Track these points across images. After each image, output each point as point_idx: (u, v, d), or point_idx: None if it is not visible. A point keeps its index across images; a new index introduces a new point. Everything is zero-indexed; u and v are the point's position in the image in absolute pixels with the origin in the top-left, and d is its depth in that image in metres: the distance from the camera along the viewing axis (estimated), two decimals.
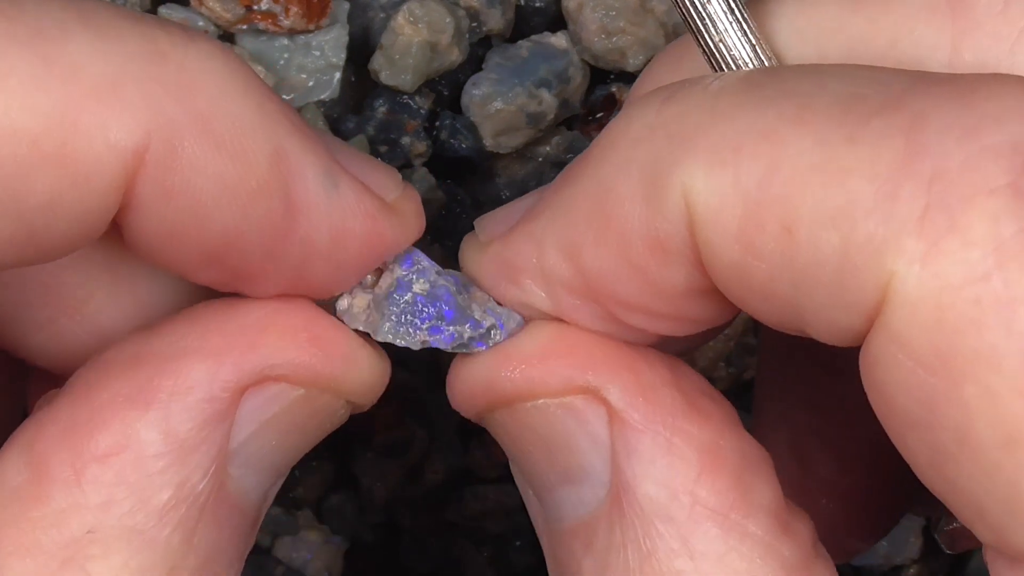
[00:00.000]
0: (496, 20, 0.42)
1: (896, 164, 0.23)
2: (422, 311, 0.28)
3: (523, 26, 0.42)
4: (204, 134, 0.24)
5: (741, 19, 0.27)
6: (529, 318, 0.28)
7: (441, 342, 0.28)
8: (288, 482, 0.43)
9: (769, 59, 0.27)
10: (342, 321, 0.28)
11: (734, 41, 0.27)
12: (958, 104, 0.23)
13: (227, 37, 0.40)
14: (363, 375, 0.27)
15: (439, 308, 0.28)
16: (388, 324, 0.27)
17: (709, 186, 0.24)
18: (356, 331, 0.28)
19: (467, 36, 0.41)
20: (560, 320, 0.27)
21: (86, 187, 0.24)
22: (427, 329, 0.28)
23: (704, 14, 0.27)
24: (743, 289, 0.25)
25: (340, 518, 0.44)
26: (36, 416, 0.26)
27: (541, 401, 0.26)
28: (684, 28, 0.27)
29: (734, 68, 0.27)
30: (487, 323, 0.27)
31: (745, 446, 0.26)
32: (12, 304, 0.29)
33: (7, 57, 0.23)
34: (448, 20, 0.40)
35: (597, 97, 0.43)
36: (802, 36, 0.28)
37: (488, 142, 0.42)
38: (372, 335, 0.28)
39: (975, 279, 0.22)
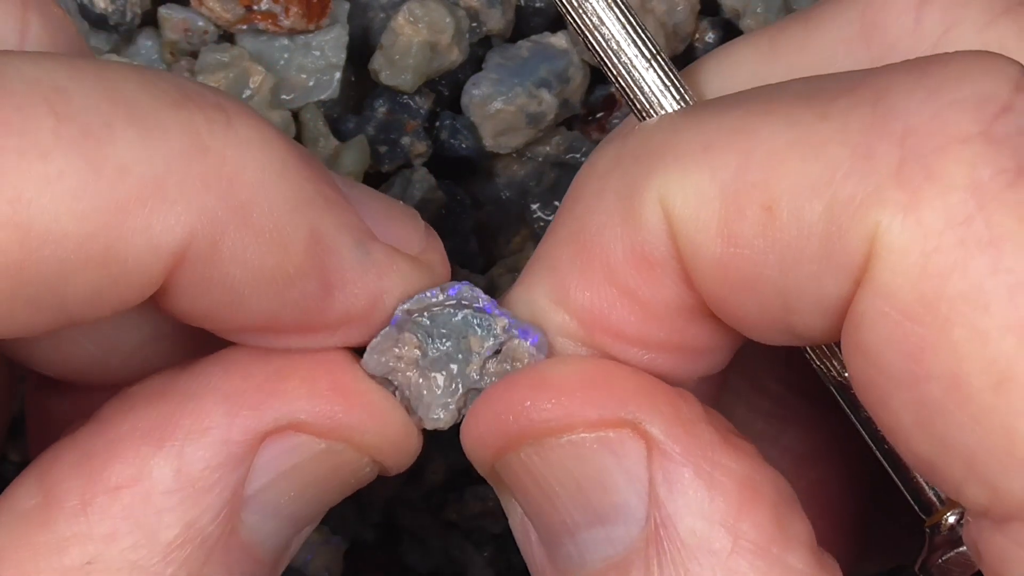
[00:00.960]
0: (496, 20, 0.42)
1: (867, 127, 0.23)
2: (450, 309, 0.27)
3: (523, 26, 0.42)
4: (244, 226, 0.25)
5: (663, 71, 0.27)
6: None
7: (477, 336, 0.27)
8: None
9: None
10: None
11: (659, 95, 0.27)
12: (918, 73, 0.24)
13: (227, 37, 0.40)
14: (388, 430, 0.27)
15: (468, 309, 0.27)
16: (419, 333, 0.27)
17: (686, 187, 0.24)
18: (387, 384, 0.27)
19: (467, 36, 0.41)
20: (595, 333, 0.27)
21: (127, 285, 0.24)
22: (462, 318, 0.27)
23: (628, 74, 0.27)
24: (728, 289, 0.25)
25: (340, 518, 0.44)
26: (57, 443, 0.26)
27: (577, 436, 0.25)
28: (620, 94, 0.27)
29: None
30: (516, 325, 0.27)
31: (778, 480, 0.26)
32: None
33: (56, 160, 0.23)
34: (448, 20, 0.40)
35: (597, 97, 0.43)
36: (724, 90, 0.28)
37: (488, 142, 0.42)
38: (421, 356, 0.27)
39: (957, 222, 0.22)
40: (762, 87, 0.25)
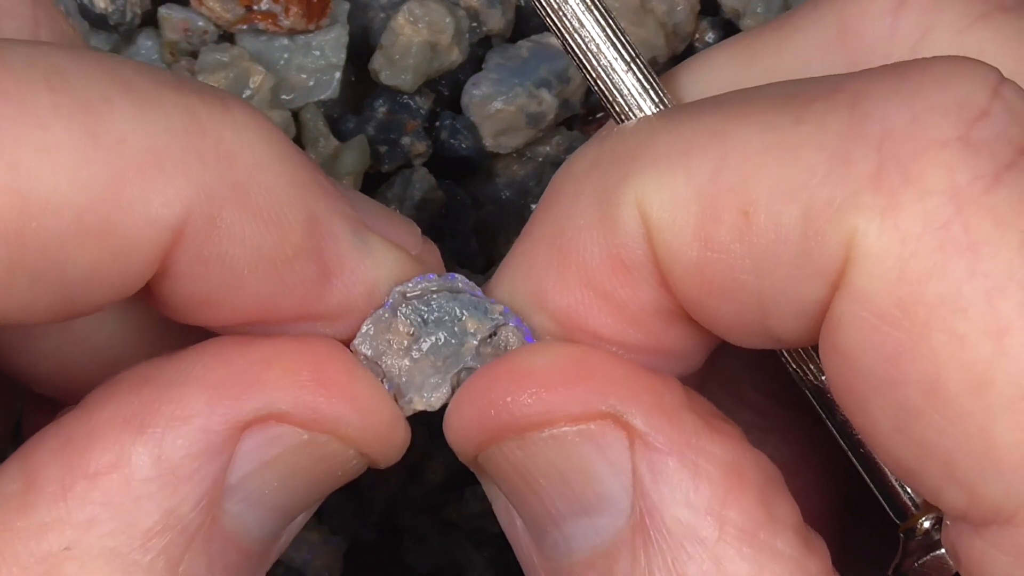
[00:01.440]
0: (496, 20, 0.42)
1: (844, 131, 0.23)
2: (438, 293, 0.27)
3: (523, 26, 0.42)
4: (242, 205, 0.25)
5: (642, 75, 0.27)
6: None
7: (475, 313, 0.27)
8: None
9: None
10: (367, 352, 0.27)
11: (638, 98, 0.27)
12: (896, 78, 0.23)
13: (227, 37, 0.40)
14: (373, 422, 0.26)
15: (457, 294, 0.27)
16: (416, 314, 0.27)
17: (662, 190, 0.24)
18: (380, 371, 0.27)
19: (467, 36, 0.41)
20: (573, 334, 0.27)
21: (126, 260, 0.24)
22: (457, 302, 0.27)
23: (607, 77, 0.27)
24: (705, 292, 0.25)
25: (340, 518, 0.44)
26: (43, 429, 0.26)
27: (559, 429, 0.25)
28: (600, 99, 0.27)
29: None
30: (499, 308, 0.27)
31: (763, 463, 0.26)
32: (20, 332, 0.28)
33: (55, 130, 0.23)
34: (448, 20, 0.40)
35: (597, 97, 0.43)
36: (703, 95, 0.28)
37: (488, 142, 0.42)
38: (418, 335, 0.27)
39: (935, 227, 0.22)
40: (739, 91, 0.25)
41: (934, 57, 0.24)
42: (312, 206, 0.26)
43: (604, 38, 0.26)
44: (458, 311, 0.27)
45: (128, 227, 0.24)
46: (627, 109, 0.26)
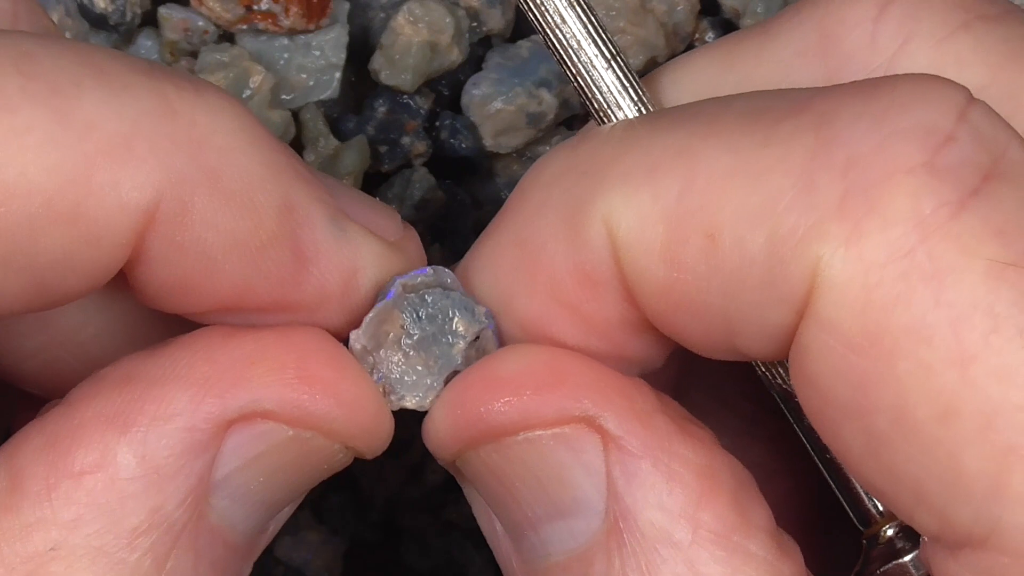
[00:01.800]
0: (496, 20, 0.42)
1: (809, 156, 0.23)
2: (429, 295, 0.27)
3: (523, 26, 0.42)
4: (215, 190, 0.24)
5: (622, 73, 0.27)
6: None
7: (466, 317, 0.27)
8: None
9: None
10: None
11: (617, 96, 0.27)
12: (863, 98, 0.23)
13: (227, 37, 0.40)
14: (358, 417, 0.26)
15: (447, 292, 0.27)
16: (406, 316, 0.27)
17: (629, 209, 0.24)
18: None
19: (467, 36, 0.41)
20: (538, 342, 0.26)
21: (97, 245, 0.24)
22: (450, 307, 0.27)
23: (587, 73, 0.27)
24: (672, 310, 0.25)
25: (340, 518, 0.44)
26: (27, 426, 0.26)
27: (534, 434, 0.26)
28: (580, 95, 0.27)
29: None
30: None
31: (735, 467, 0.26)
32: (4, 332, 0.28)
33: (23, 114, 0.23)
34: (448, 20, 0.40)
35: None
36: (681, 99, 0.28)
37: (488, 142, 0.42)
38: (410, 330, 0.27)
39: (899, 255, 0.22)
40: (711, 102, 0.25)
41: (903, 76, 0.24)
42: (287, 192, 0.25)
43: (585, 35, 0.26)
44: (451, 311, 0.27)
45: (99, 211, 0.24)
46: (606, 107, 0.27)
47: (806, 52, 0.27)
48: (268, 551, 0.44)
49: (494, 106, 0.41)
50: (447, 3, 0.41)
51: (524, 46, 0.42)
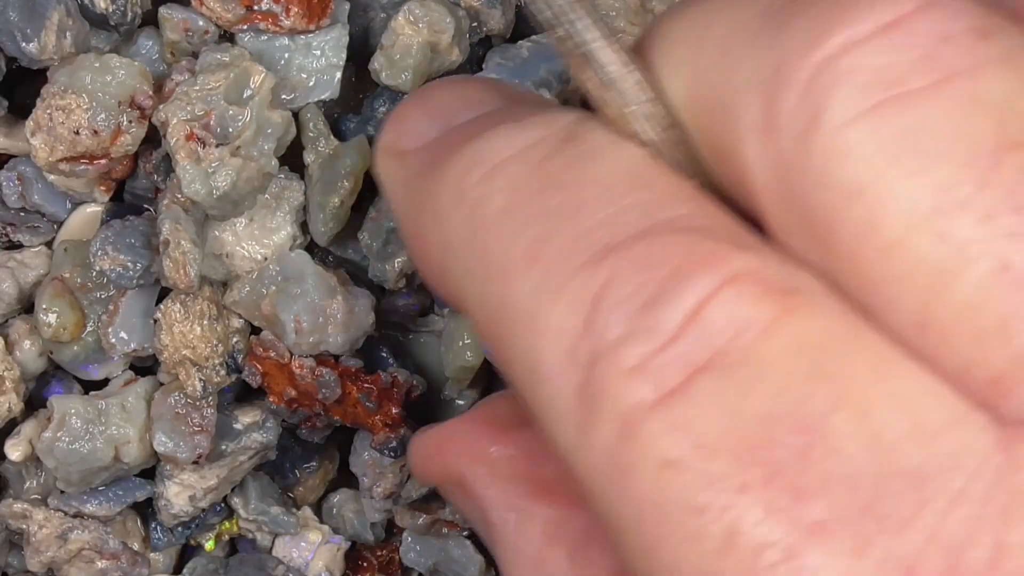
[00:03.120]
0: (496, 20, 0.42)
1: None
2: None
3: (523, 26, 0.42)
4: None
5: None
6: None
7: None
8: (288, 482, 0.43)
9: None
10: None
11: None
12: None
13: (227, 37, 0.40)
14: None
15: None
16: None
17: None
18: None
19: (467, 36, 0.41)
20: None
21: None
22: None
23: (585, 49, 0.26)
24: None
25: (340, 518, 0.44)
26: None
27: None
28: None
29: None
30: None
31: None
32: None
33: None
34: (448, 20, 0.40)
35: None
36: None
37: None
38: None
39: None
40: None
41: None
42: None
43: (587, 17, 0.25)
44: None
45: None
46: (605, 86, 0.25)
47: None
48: (268, 551, 0.44)
49: None
50: (447, 3, 0.41)
51: (524, 46, 0.42)
